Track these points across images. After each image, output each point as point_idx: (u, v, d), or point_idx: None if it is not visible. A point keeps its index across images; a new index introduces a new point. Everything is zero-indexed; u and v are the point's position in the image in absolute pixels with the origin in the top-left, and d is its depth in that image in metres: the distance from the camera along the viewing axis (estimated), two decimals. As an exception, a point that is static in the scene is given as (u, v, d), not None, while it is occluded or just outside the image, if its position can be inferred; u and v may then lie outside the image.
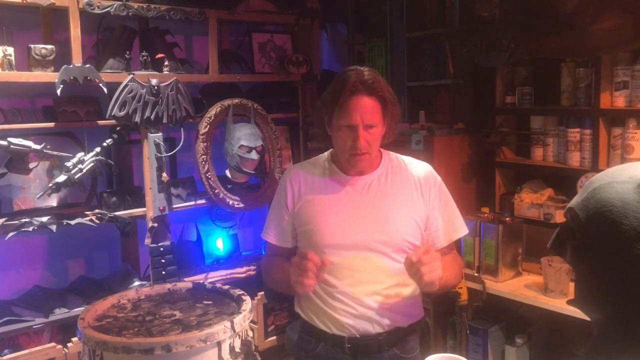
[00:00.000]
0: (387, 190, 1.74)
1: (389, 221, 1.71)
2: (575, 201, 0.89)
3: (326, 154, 1.86)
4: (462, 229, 1.83)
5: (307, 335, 1.81)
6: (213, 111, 2.69)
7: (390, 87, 1.72)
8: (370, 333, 1.72)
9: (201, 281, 2.36)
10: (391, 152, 1.84)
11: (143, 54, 2.56)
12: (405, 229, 1.72)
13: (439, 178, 1.81)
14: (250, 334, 1.90)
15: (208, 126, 2.67)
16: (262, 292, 2.86)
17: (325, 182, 1.78)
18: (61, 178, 2.30)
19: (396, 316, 1.73)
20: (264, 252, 3.13)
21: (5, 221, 2.21)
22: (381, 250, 1.70)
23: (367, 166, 1.74)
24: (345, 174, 1.77)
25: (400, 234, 1.72)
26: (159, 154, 2.54)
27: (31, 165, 2.27)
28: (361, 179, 1.75)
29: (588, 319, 0.90)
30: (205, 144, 2.67)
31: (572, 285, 1.55)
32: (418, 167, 1.81)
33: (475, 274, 2.55)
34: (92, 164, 2.35)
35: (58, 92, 2.25)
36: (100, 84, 2.36)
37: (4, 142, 2.16)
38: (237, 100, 2.77)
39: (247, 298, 1.96)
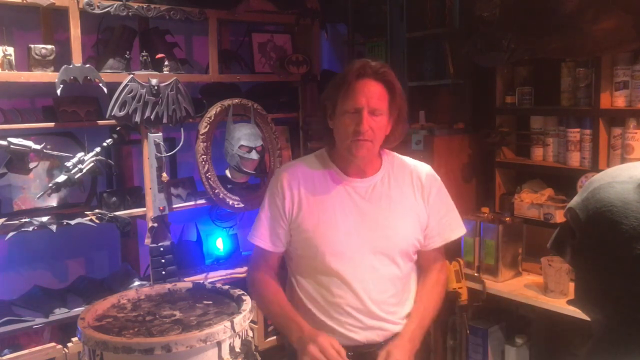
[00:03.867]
0: (390, 194, 1.69)
1: (394, 226, 1.67)
2: (575, 201, 0.89)
3: (322, 152, 1.77)
4: (458, 230, 1.81)
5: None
6: (213, 111, 2.69)
7: (399, 83, 1.67)
8: (375, 341, 1.69)
9: (201, 281, 2.36)
10: (391, 152, 1.80)
11: (143, 54, 2.56)
12: (410, 233, 1.69)
13: (438, 179, 1.78)
14: (250, 334, 1.90)
15: (208, 126, 2.67)
16: (262, 292, 2.86)
17: (327, 184, 1.69)
18: (61, 178, 2.30)
19: (401, 321, 1.72)
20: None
21: (5, 221, 2.21)
22: (387, 255, 1.67)
23: (367, 155, 1.66)
24: (346, 175, 1.70)
25: (406, 239, 1.69)
26: (159, 154, 2.54)
27: (31, 165, 2.27)
28: (364, 182, 1.69)
29: (588, 319, 0.90)
30: (205, 144, 2.67)
31: (572, 285, 1.55)
32: (418, 168, 1.77)
33: (475, 274, 2.55)
34: (92, 164, 2.35)
35: (58, 92, 2.25)
36: (100, 84, 2.36)
37: (4, 142, 2.16)
38: (237, 100, 2.77)
39: (247, 298, 1.96)
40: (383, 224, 1.67)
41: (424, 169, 1.78)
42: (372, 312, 1.68)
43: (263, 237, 1.75)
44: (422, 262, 1.81)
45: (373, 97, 1.59)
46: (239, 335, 1.80)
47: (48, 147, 2.27)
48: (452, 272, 2.37)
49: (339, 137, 1.66)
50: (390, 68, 1.67)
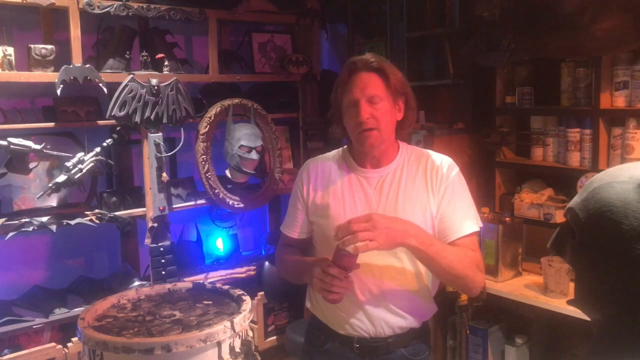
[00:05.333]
0: (401, 186, 1.70)
1: (401, 217, 1.64)
2: (575, 201, 0.89)
3: (345, 147, 1.85)
4: (471, 225, 1.71)
5: (315, 329, 1.80)
6: (213, 111, 2.69)
7: (398, 71, 1.70)
8: (381, 335, 1.70)
9: (201, 281, 2.36)
10: (411, 145, 1.82)
11: (143, 54, 2.56)
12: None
13: (455, 171, 1.74)
14: (250, 334, 1.90)
15: (208, 126, 2.67)
16: (262, 292, 2.86)
17: (341, 174, 1.76)
18: (61, 178, 2.30)
19: (408, 318, 1.71)
20: (264, 253, 3.13)
21: (5, 221, 2.21)
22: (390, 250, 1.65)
23: (377, 144, 1.68)
24: (360, 166, 1.75)
25: None
26: (159, 154, 2.54)
27: (31, 165, 2.27)
28: (376, 172, 1.73)
29: (588, 319, 0.90)
30: (205, 144, 2.67)
31: (572, 285, 1.55)
32: (436, 161, 1.75)
33: (475, 274, 2.55)
34: (92, 164, 2.35)
35: (58, 92, 2.25)
36: (100, 84, 2.36)
37: (4, 142, 2.16)
38: (237, 100, 2.77)
39: (247, 298, 1.96)
40: (390, 215, 1.65)
41: (440, 160, 1.77)
42: (375, 303, 1.68)
43: (285, 223, 1.86)
44: None
45: (367, 87, 1.65)
46: (239, 335, 1.80)
47: (48, 147, 2.27)
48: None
49: (348, 130, 1.74)
50: (385, 60, 1.71)
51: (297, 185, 1.84)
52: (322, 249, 1.78)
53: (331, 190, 1.75)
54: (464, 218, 1.72)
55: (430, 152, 1.81)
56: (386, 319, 1.69)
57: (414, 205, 1.70)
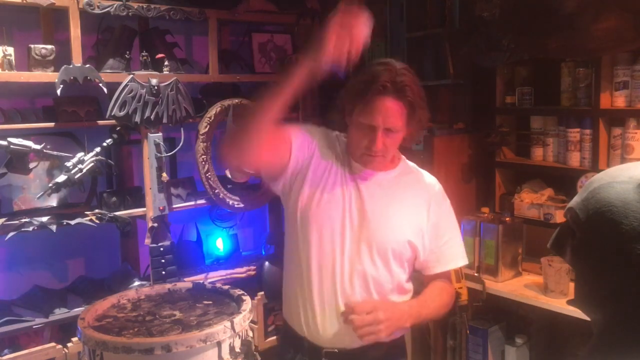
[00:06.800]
0: (396, 194, 1.67)
1: (389, 223, 1.63)
2: (575, 201, 0.89)
3: (344, 138, 1.75)
4: (458, 259, 1.76)
5: (286, 342, 1.77)
6: (213, 111, 2.69)
7: (421, 89, 1.63)
8: (349, 347, 1.64)
9: (201, 281, 2.36)
10: (408, 161, 1.79)
11: (143, 54, 2.55)
12: (402, 233, 1.65)
13: (447, 200, 1.76)
14: (250, 334, 1.90)
15: (208, 126, 2.67)
16: (262, 292, 2.86)
17: (338, 164, 1.68)
18: (61, 178, 2.30)
19: None
20: (264, 253, 3.14)
21: (5, 221, 2.21)
22: (372, 249, 1.62)
23: (377, 168, 1.67)
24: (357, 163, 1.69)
25: (396, 237, 1.64)
26: (159, 154, 2.54)
27: (31, 165, 2.27)
28: (375, 175, 1.68)
29: (588, 319, 0.90)
30: (205, 144, 2.67)
31: (572, 285, 1.55)
32: (431, 182, 1.75)
33: (475, 274, 2.55)
34: (92, 164, 2.35)
35: (58, 92, 2.25)
36: (100, 84, 2.36)
37: (4, 142, 2.16)
38: (237, 100, 2.77)
39: (247, 298, 1.96)
40: (377, 217, 1.63)
41: (435, 182, 1.76)
42: (345, 305, 1.60)
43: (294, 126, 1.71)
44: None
45: (391, 117, 1.56)
46: (239, 335, 1.80)
47: (48, 147, 2.27)
48: (452, 273, 2.38)
49: (351, 144, 1.65)
50: (412, 74, 1.62)
51: (315, 132, 1.70)
52: (291, 237, 1.70)
53: (326, 175, 1.66)
54: (454, 253, 1.75)
55: (424, 172, 1.79)
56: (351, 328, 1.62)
57: (403, 218, 1.66)
